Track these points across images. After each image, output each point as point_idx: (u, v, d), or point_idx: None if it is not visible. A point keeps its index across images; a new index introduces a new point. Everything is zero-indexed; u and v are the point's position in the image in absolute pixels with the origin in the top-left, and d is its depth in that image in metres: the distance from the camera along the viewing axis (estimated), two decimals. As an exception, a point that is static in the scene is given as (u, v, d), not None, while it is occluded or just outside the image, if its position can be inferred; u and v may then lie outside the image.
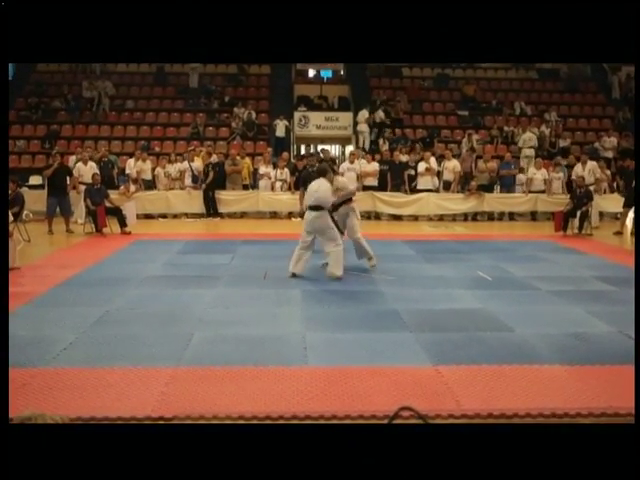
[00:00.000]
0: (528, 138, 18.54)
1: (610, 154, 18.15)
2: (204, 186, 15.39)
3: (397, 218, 15.63)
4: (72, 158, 15.27)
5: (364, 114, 19.36)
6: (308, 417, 4.05)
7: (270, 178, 15.92)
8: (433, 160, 16.11)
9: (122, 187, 15.23)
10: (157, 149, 18.62)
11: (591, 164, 15.54)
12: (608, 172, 16.53)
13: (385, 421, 1.57)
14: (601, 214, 15.47)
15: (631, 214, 14.44)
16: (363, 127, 19.24)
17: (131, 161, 15.96)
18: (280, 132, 19.30)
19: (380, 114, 19.48)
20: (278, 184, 15.95)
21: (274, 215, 16.07)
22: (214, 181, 15.43)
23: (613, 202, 15.19)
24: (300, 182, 10.17)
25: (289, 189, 15.69)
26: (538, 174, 16.08)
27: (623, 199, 14.41)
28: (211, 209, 15.38)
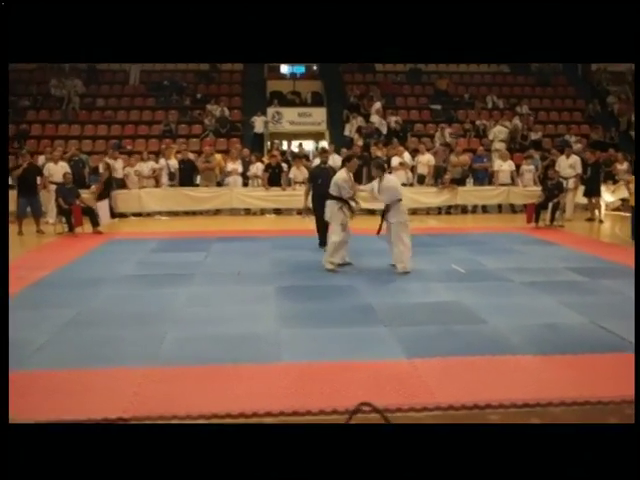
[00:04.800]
0: (498, 131, 18.72)
1: (579, 146, 18.33)
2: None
3: (371, 212, 15.63)
4: (41, 157, 15.08)
5: (376, 105, 19.41)
6: (282, 413, 4.04)
7: (238, 174, 15.92)
8: (407, 154, 16.18)
9: (93, 186, 15.04)
10: (129, 147, 18.44)
11: (574, 158, 15.61)
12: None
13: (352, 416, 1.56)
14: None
15: (604, 200, 14.82)
16: (375, 118, 19.24)
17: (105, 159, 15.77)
18: (259, 128, 19.27)
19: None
20: (255, 180, 15.95)
21: (248, 212, 16.02)
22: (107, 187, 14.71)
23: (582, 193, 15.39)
24: (310, 177, 10.41)
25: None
26: (505, 165, 16.23)
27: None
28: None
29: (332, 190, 8.50)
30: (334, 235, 8.50)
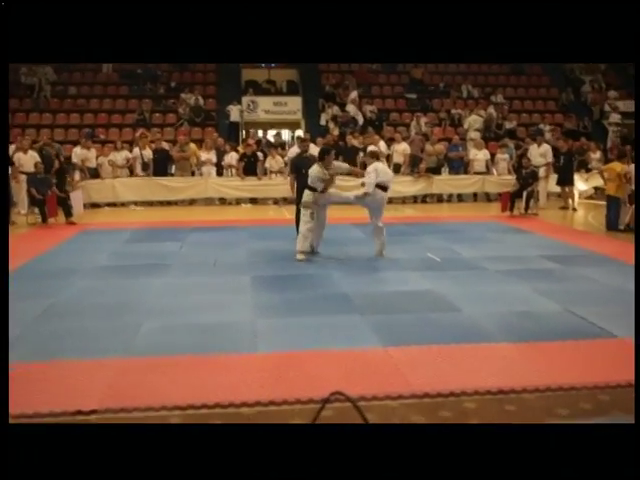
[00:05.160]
0: (473, 120, 18.80)
1: (549, 135, 18.45)
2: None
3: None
4: (11, 147, 14.81)
5: (352, 95, 19.36)
6: (258, 403, 4.03)
7: (212, 165, 15.82)
8: (382, 143, 16.18)
9: (67, 176, 14.83)
10: (102, 136, 18.21)
11: (545, 147, 15.75)
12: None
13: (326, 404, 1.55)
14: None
15: (577, 189, 14.98)
16: (351, 107, 19.20)
17: (77, 149, 15.55)
18: (235, 117, 19.14)
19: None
20: (229, 169, 15.85)
21: (223, 202, 15.92)
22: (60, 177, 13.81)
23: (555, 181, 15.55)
24: (293, 168, 10.31)
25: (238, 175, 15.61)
26: (480, 154, 16.33)
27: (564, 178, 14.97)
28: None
29: (310, 182, 8.53)
30: (304, 224, 8.52)
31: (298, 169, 9.82)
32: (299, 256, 8.43)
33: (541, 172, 14.91)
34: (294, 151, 15.79)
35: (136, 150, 15.74)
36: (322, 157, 8.61)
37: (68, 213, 12.31)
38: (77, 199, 13.51)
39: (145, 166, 15.62)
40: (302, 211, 8.60)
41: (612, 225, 11.47)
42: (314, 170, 8.51)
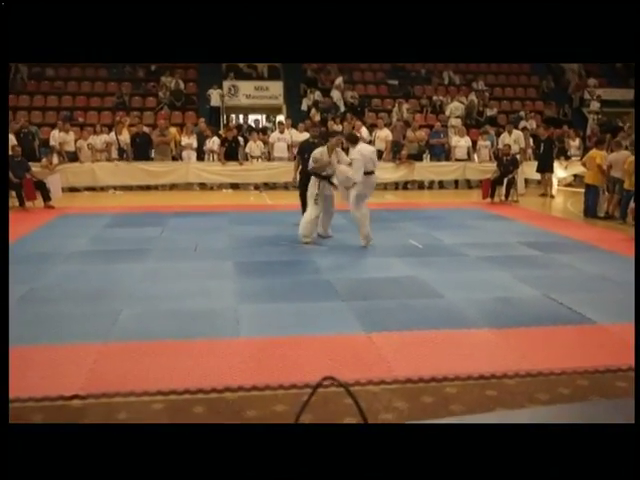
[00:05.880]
0: (455, 107, 18.84)
1: (534, 123, 18.59)
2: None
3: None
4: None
5: (337, 81, 19.31)
6: (241, 388, 4.03)
7: (192, 150, 15.71)
8: (364, 130, 16.16)
9: (44, 159, 14.65)
10: (81, 119, 17.97)
11: (516, 133, 15.94)
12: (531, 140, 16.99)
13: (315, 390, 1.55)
14: (526, 181, 15.92)
15: (556, 176, 15.09)
16: (335, 93, 19.17)
17: (55, 132, 15.33)
18: (215, 101, 18.98)
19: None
20: (211, 154, 15.75)
21: (204, 187, 15.82)
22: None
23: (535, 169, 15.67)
24: (299, 151, 10.28)
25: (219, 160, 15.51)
26: (462, 141, 16.39)
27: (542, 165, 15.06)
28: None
29: (309, 167, 8.60)
30: (308, 212, 8.61)
31: (302, 153, 9.81)
32: (304, 239, 8.55)
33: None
34: (275, 136, 15.79)
35: (112, 135, 15.55)
36: (326, 139, 8.80)
37: (46, 197, 12.15)
38: (55, 183, 13.35)
39: (121, 151, 15.43)
40: (307, 198, 8.68)
41: (590, 212, 11.59)
42: (316, 150, 8.58)
